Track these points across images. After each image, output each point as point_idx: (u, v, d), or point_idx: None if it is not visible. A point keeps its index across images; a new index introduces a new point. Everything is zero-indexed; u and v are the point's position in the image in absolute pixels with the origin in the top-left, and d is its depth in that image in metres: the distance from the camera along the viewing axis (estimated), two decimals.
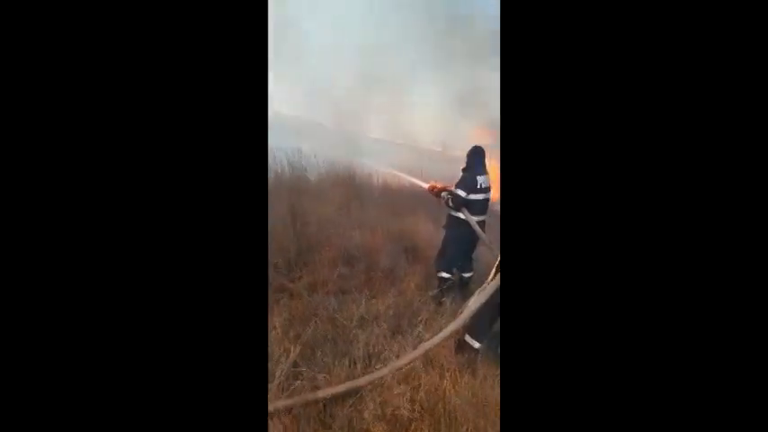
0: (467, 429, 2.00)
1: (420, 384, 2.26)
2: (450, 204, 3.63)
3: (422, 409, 2.13)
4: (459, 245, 3.65)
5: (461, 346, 2.76)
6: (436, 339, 2.32)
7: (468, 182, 3.59)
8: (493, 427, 1.98)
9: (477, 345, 2.74)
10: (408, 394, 2.18)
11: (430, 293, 3.49)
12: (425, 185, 4.06)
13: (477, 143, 3.73)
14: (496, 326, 2.80)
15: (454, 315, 2.80)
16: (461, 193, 3.56)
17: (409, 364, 2.26)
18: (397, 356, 2.40)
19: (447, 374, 2.36)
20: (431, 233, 4.76)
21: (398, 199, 6.11)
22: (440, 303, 3.34)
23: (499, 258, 2.63)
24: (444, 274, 3.65)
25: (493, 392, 2.25)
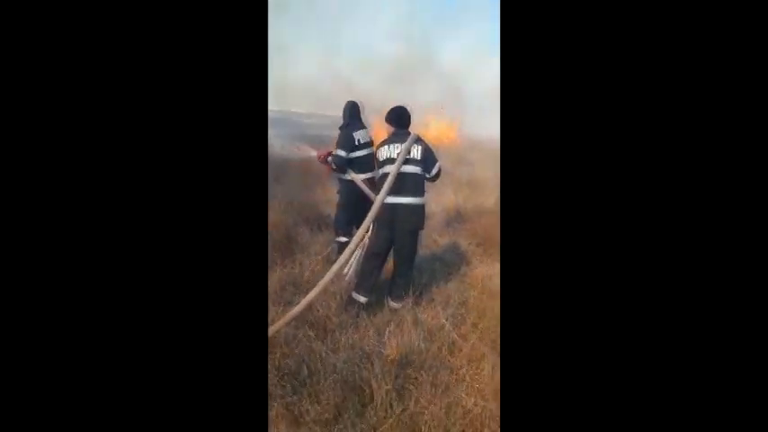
0: None
1: None
2: (334, 167, 3.56)
3: None
4: (352, 207, 3.62)
5: (350, 302, 2.79)
6: (316, 289, 2.32)
7: (345, 140, 3.51)
8: None
9: (363, 299, 2.79)
10: None
11: (319, 257, 3.48)
12: (314, 153, 3.97)
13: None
14: (381, 277, 2.91)
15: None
16: (341, 153, 3.49)
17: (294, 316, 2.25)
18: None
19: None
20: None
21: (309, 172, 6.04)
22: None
23: (373, 211, 2.63)
24: (342, 239, 3.62)
25: None
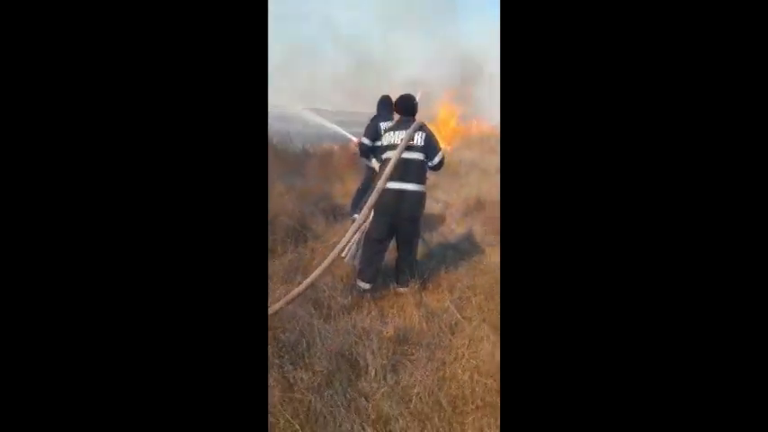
0: None
1: None
2: (360, 155, 3.78)
3: None
4: (368, 190, 3.73)
5: (355, 289, 2.84)
6: (318, 271, 2.39)
7: (371, 130, 3.82)
8: None
9: (367, 286, 2.83)
10: None
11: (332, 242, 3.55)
12: (355, 140, 4.21)
13: None
14: (383, 263, 2.96)
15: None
16: (365, 141, 3.84)
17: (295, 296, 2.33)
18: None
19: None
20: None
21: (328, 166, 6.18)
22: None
23: (374, 197, 2.67)
24: (356, 216, 3.71)
25: None
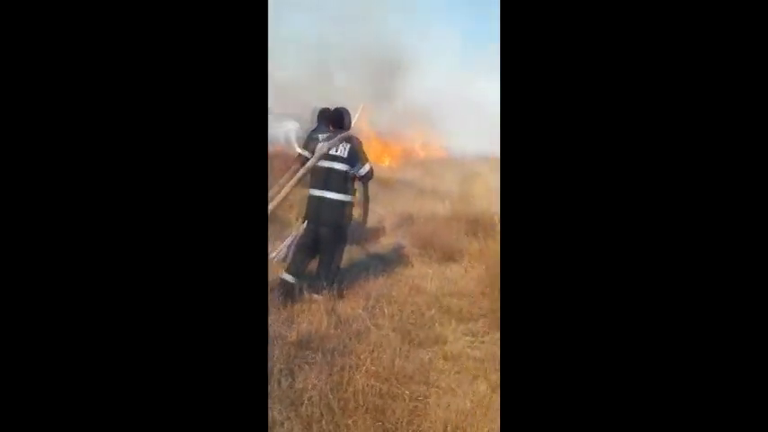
0: None
1: None
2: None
3: None
4: None
5: (280, 284, 2.88)
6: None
7: (308, 141, 3.56)
8: None
9: (291, 279, 2.90)
10: None
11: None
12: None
13: None
14: (308, 262, 3.06)
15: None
16: (304, 152, 3.62)
17: None
18: None
19: None
20: None
21: None
22: None
23: (281, 195, 2.80)
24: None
25: None
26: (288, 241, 3.00)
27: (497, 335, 2.56)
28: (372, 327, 2.55)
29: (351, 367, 2.10)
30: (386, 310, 2.77)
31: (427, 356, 2.30)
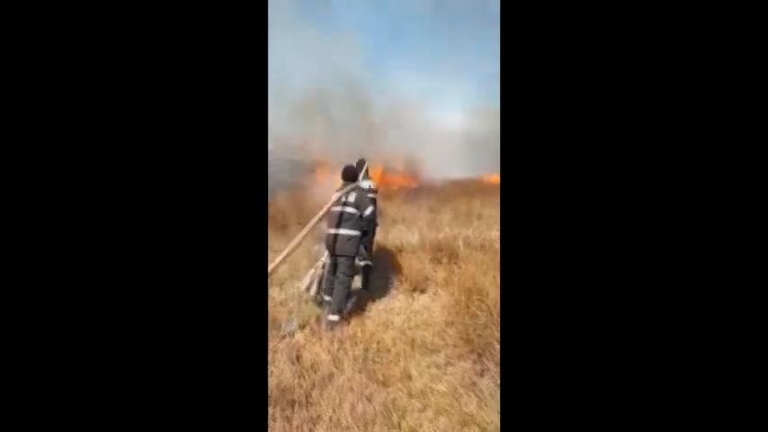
0: None
1: None
2: None
3: None
4: None
5: (329, 324, 3.28)
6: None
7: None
8: None
9: (335, 318, 3.33)
10: None
11: None
12: None
13: None
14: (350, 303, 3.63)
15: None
16: None
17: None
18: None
19: None
20: None
21: None
22: None
23: (305, 230, 3.38)
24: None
25: None
26: (311, 272, 3.78)
27: (462, 364, 2.57)
28: (336, 371, 2.53)
29: (312, 419, 2.08)
30: (350, 353, 2.76)
31: (390, 396, 2.29)
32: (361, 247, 4.05)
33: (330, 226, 3.64)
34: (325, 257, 3.76)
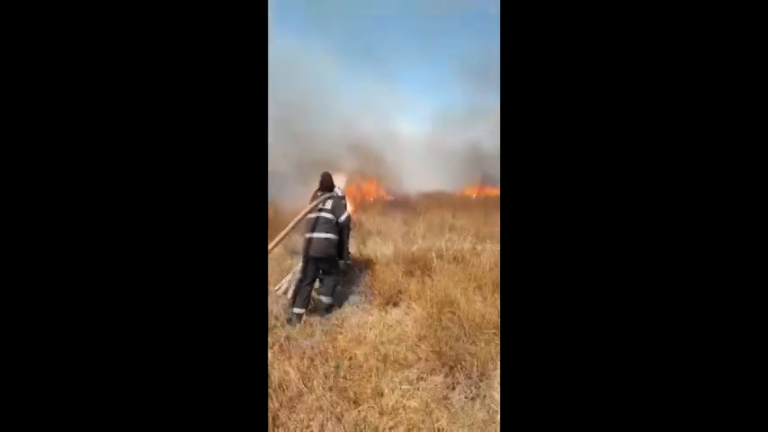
0: None
1: None
2: None
3: None
4: None
5: (292, 316, 3.60)
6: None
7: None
8: None
9: (300, 311, 3.66)
10: None
11: None
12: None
13: None
14: (307, 293, 3.80)
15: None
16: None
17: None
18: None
19: None
20: None
21: None
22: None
23: (284, 232, 3.47)
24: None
25: None
26: (288, 277, 4.00)
27: (433, 378, 2.55)
28: (306, 389, 2.46)
29: None
30: (320, 370, 2.69)
31: (362, 414, 2.23)
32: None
33: (306, 231, 3.86)
34: (298, 267, 3.86)
